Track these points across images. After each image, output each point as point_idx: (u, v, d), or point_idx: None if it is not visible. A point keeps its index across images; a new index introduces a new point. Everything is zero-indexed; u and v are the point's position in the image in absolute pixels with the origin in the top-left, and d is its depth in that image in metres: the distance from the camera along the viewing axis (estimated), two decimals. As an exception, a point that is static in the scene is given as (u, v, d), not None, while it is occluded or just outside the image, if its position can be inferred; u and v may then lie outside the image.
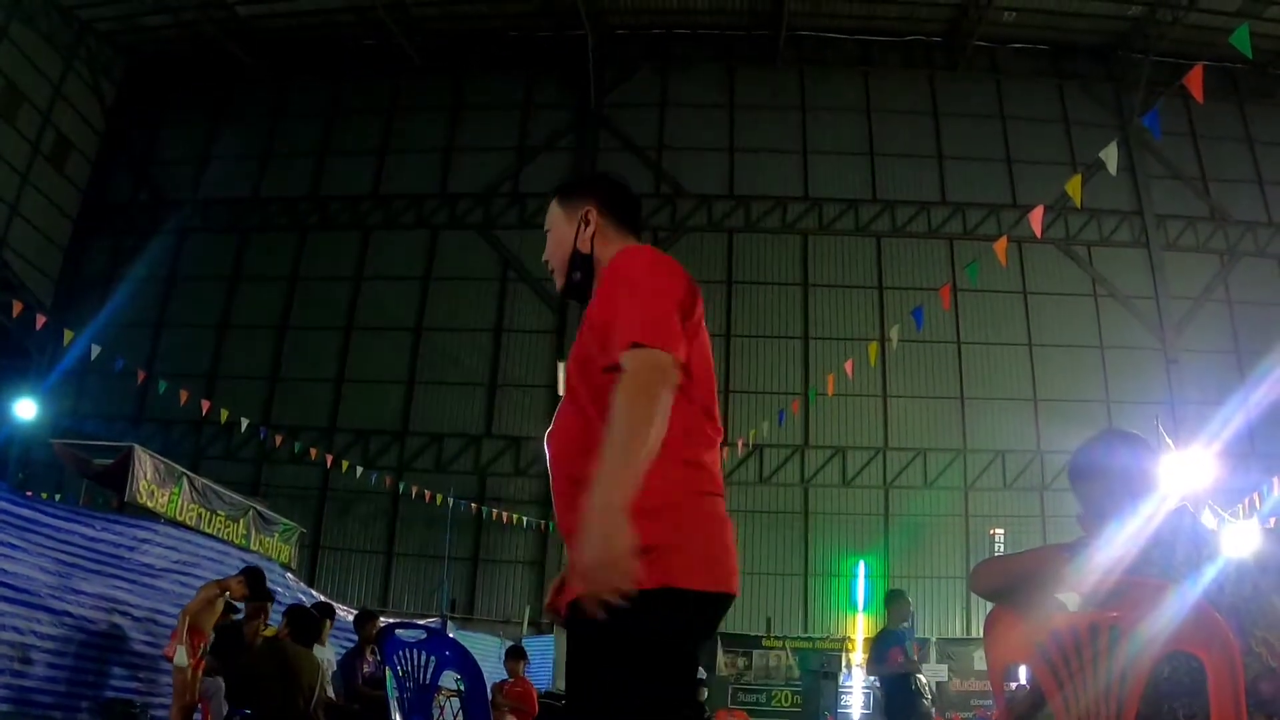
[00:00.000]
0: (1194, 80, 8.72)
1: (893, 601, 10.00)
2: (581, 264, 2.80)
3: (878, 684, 19.97)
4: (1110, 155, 10.54)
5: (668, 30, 28.83)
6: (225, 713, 9.00)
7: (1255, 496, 19.02)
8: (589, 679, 2.39)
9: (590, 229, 2.81)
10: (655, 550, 2.30)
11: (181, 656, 8.55)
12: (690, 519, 2.41)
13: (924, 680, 9.62)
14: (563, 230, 2.85)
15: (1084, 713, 2.47)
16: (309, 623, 8.46)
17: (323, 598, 14.71)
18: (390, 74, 29.16)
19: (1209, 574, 2.61)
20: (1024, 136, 27.77)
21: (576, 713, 2.42)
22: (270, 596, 9.87)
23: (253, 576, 9.33)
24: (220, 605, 9.10)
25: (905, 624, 9.93)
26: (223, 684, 9.21)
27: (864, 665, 21.41)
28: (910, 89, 28.34)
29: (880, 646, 9.88)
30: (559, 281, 2.87)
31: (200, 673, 8.90)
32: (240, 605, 10.06)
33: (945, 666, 21.65)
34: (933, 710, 9.71)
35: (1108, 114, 27.38)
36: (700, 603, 2.40)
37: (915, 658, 9.63)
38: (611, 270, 2.63)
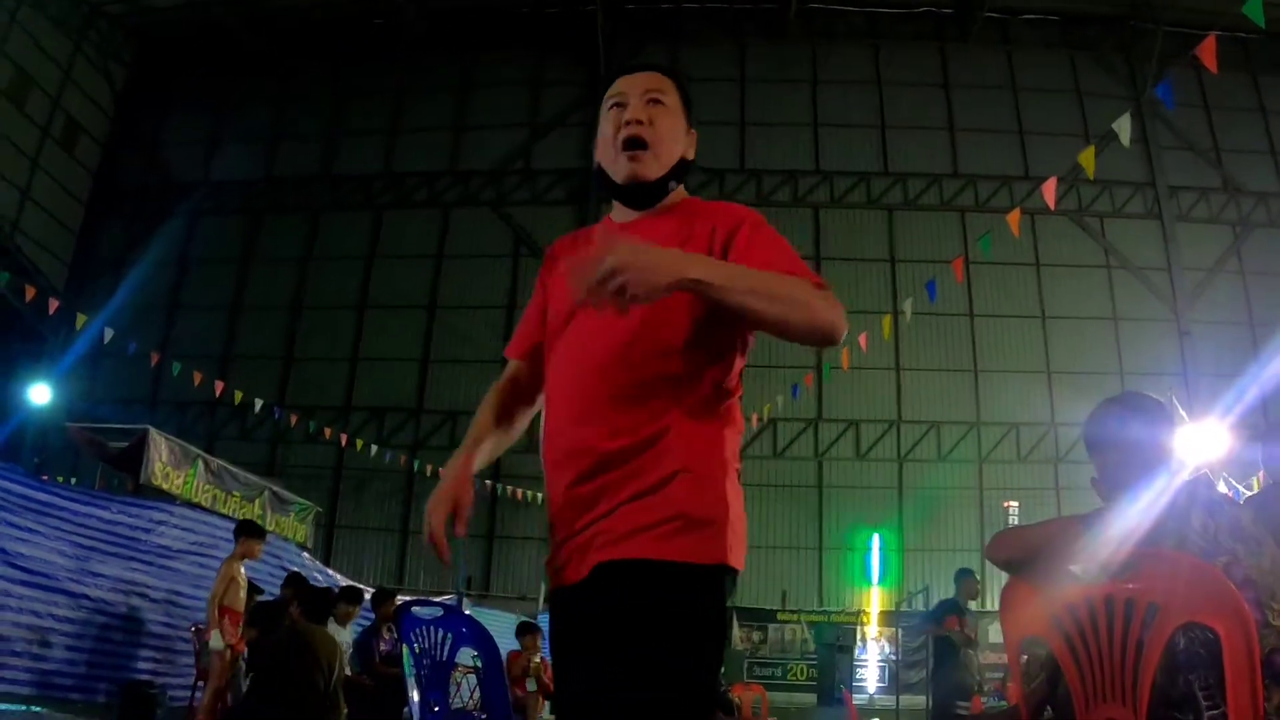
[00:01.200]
0: (1206, 50, 8.64)
1: (963, 577, 10.24)
2: (683, 175, 2.62)
3: (904, 645, 20.04)
4: (1123, 126, 10.46)
5: (677, 5, 28.72)
6: (244, 693, 9.06)
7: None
8: (644, 655, 2.10)
9: (693, 151, 2.66)
10: (716, 525, 2.23)
11: (217, 639, 8.63)
12: (734, 498, 2.32)
13: (975, 660, 9.73)
14: (679, 125, 2.62)
15: (1099, 685, 2.47)
16: (318, 600, 8.48)
17: (345, 581, 14.76)
18: (400, 53, 29.09)
19: (1225, 544, 2.60)
20: (1036, 108, 27.62)
21: (637, 689, 2.09)
22: (263, 534, 9.88)
23: (245, 528, 9.47)
24: (243, 578, 9.17)
25: (972, 602, 10.17)
26: (242, 665, 9.26)
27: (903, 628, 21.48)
28: (921, 61, 28.19)
29: (941, 609, 10.20)
30: (646, 169, 2.51)
31: (239, 651, 8.98)
32: (261, 588, 10.14)
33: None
34: (972, 686, 9.81)
35: (1120, 85, 27.21)
36: (734, 581, 2.31)
37: (974, 636, 9.78)
38: (755, 221, 2.53)
